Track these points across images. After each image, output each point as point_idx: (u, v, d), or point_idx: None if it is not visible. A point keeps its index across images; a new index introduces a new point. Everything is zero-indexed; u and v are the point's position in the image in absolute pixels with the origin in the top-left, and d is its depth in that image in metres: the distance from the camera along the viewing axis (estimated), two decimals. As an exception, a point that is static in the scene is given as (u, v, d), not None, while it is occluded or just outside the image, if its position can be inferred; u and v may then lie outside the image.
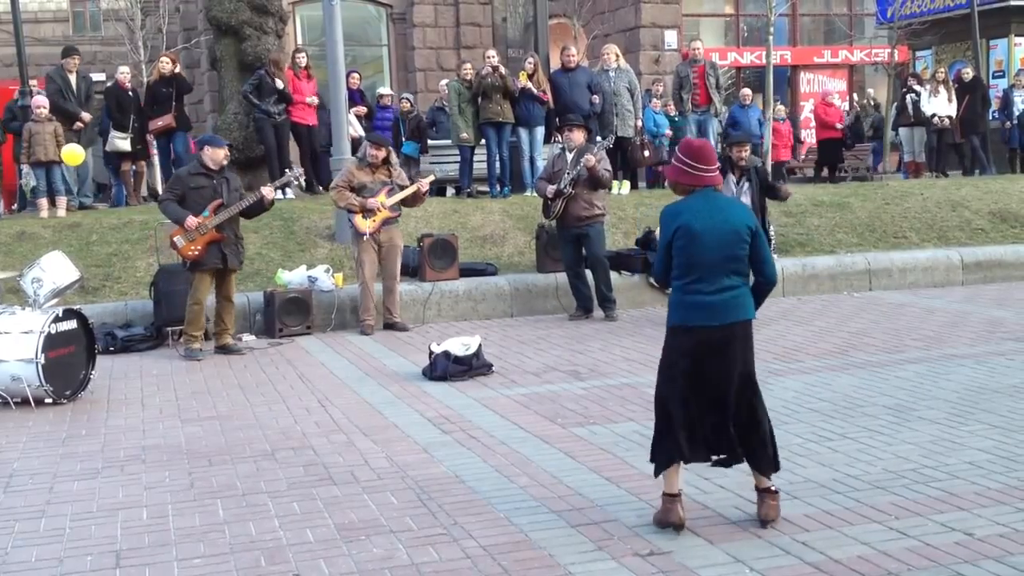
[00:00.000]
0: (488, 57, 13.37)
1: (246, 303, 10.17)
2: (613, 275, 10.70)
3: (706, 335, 4.52)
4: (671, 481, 4.59)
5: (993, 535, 4.37)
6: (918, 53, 25.46)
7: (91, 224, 11.81)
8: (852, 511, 4.72)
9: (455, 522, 4.79)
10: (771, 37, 18.73)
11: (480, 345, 8.08)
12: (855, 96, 26.10)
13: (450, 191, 14.83)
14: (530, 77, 13.22)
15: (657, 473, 4.64)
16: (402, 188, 10.15)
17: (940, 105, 16.65)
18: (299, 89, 13.41)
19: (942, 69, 18.11)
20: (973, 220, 13.22)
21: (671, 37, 25.22)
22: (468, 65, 13.86)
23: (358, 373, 8.29)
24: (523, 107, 13.22)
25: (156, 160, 15.48)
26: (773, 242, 10.26)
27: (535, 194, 11.98)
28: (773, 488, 4.64)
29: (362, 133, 14.44)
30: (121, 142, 13.83)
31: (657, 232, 10.89)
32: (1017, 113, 17.56)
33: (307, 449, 6.16)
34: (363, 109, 15.21)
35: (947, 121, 16.63)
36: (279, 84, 13.04)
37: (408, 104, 15.84)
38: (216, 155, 9.23)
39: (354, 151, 12.30)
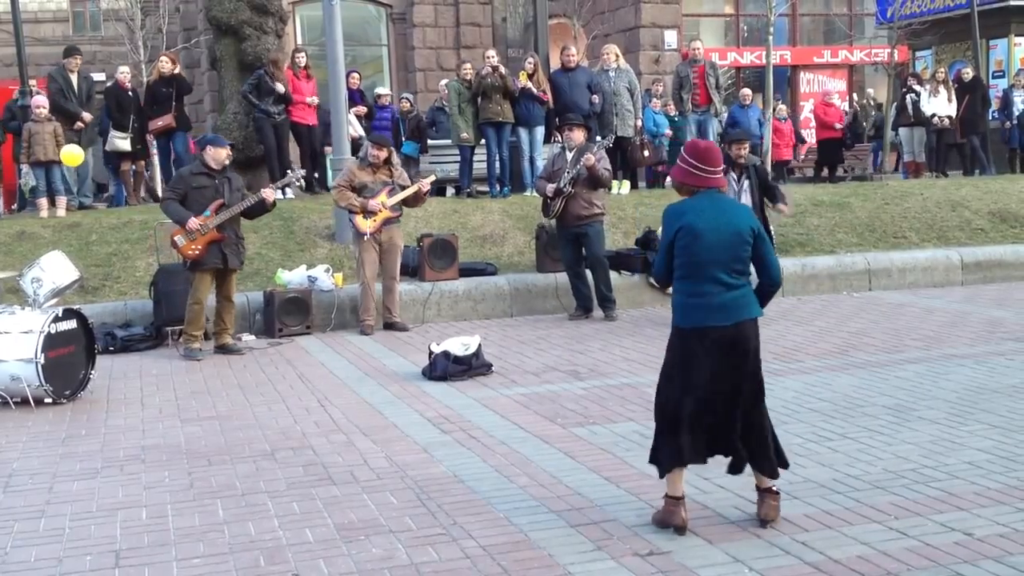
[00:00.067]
0: (488, 57, 13.37)
1: (246, 303, 10.17)
2: (613, 275, 10.70)
3: (720, 334, 4.52)
4: (675, 484, 4.58)
5: (993, 535, 4.37)
6: (918, 53, 25.46)
7: (91, 224, 11.81)
8: (852, 511, 4.72)
9: (454, 522, 4.79)
10: (771, 37, 18.73)
11: (480, 345, 8.08)
12: (855, 96, 26.11)
13: (450, 191, 14.83)
14: (530, 77, 13.23)
15: (662, 475, 4.62)
16: (403, 188, 10.15)
17: (940, 105, 16.65)
18: (299, 89, 13.41)
19: (942, 69, 18.11)
20: (973, 220, 13.22)
21: (671, 37, 25.22)
22: (468, 65, 13.86)
23: (358, 373, 8.29)
24: (523, 107, 13.22)
25: (156, 160, 15.49)
26: (774, 242, 10.26)
27: (535, 194, 11.99)
28: (774, 488, 4.63)
29: (362, 133, 14.46)
30: (121, 142, 13.83)
31: (658, 231, 10.92)
32: (1017, 113, 17.56)
33: (307, 449, 6.16)
34: (363, 109, 15.21)
35: (947, 121, 16.63)
36: (279, 88, 13.03)
37: (408, 104, 15.84)
38: (218, 155, 9.23)
39: (354, 151, 12.32)
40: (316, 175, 13.97)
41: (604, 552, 4.37)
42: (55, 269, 7.97)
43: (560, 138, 11.55)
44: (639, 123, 14.08)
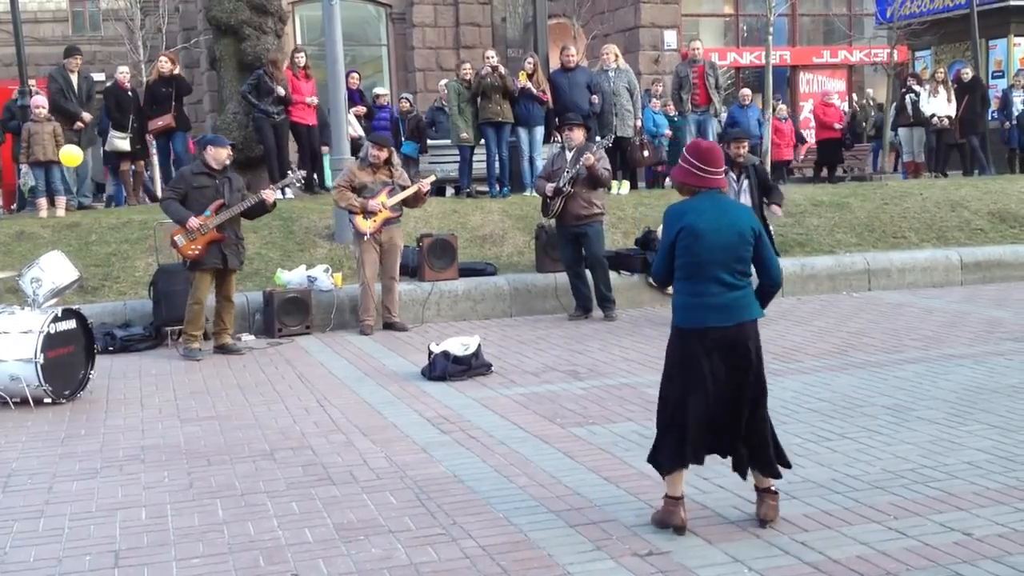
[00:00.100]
0: (487, 57, 13.37)
1: (245, 303, 10.17)
2: (612, 275, 10.70)
3: (721, 335, 4.52)
4: (675, 484, 4.58)
5: (992, 535, 4.37)
6: (917, 53, 25.48)
7: (90, 224, 11.81)
8: (851, 511, 4.73)
9: (454, 522, 4.79)
10: (770, 37, 18.76)
11: (479, 345, 8.08)
12: (854, 96, 26.12)
13: (449, 191, 14.83)
14: (529, 77, 13.23)
15: (665, 475, 4.62)
16: (403, 188, 10.15)
17: (939, 105, 16.65)
18: (298, 89, 13.40)
19: (941, 69, 18.11)
20: (972, 220, 13.22)
21: (670, 37, 25.24)
22: (467, 65, 13.86)
23: (357, 373, 8.30)
24: (522, 107, 13.22)
25: (155, 160, 15.49)
26: (773, 242, 10.26)
27: (534, 194, 11.99)
28: (773, 488, 4.64)
29: (361, 133, 14.46)
30: (120, 142, 13.84)
31: (658, 231, 10.92)
32: (1016, 113, 17.57)
33: (306, 449, 6.16)
34: (362, 109, 15.22)
35: (946, 121, 16.63)
36: (280, 92, 13.02)
37: (407, 104, 15.84)
38: (219, 155, 9.23)
39: (354, 151, 12.31)
40: (315, 175, 13.96)
41: (603, 552, 4.37)
42: (54, 269, 7.97)
43: (560, 138, 11.55)
44: (639, 123, 14.08)
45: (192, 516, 5.03)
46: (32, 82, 15.13)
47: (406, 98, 16.31)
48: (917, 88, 17.21)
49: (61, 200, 12.54)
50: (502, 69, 13.32)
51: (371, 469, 5.70)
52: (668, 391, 4.64)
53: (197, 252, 9.04)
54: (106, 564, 4.47)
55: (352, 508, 5.05)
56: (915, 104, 17.03)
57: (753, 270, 4.67)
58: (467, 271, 11.04)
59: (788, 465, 4.72)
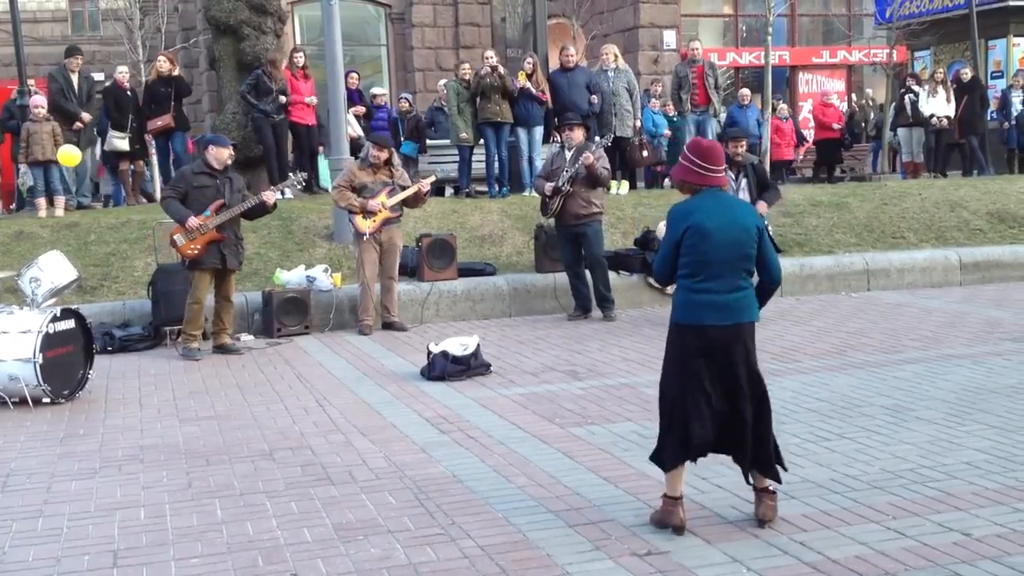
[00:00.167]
0: (487, 57, 13.37)
1: (244, 303, 10.17)
2: (611, 275, 10.70)
3: (717, 333, 4.52)
4: (674, 484, 4.58)
5: (991, 535, 4.37)
6: (916, 53, 25.48)
7: (89, 224, 11.81)
8: (850, 511, 4.73)
9: (453, 522, 4.79)
10: (770, 37, 18.77)
11: (478, 345, 8.08)
12: (853, 96, 26.14)
13: (448, 191, 14.83)
14: (529, 77, 13.23)
15: (668, 469, 4.61)
16: (403, 189, 10.15)
17: (938, 105, 16.66)
18: (297, 89, 13.40)
19: (941, 69, 18.12)
20: (971, 220, 13.22)
21: (670, 37, 25.25)
22: (466, 65, 13.87)
23: (356, 373, 8.29)
24: (522, 107, 13.22)
25: (155, 160, 15.49)
26: (773, 240, 10.27)
27: (534, 194, 11.99)
28: (771, 488, 4.64)
29: (360, 133, 14.46)
30: (119, 142, 13.83)
31: (658, 230, 10.91)
32: (1015, 113, 17.58)
33: (305, 449, 6.16)
34: (361, 109, 15.21)
35: (945, 121, 16.64)
36: (283, 100, 13.01)
37: (407, 104, 15.84)
38: (220, 154, 9.23)
39: (353, 151, 12.31)
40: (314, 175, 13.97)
41: (602, 552, 4.38)
42: (53, 269, 7.96)
43: (559, 138, 11.55)
44: (638, 123, 14.08)
45: (191, 516, 5.03)
46: (31, 82, 15.12)
47: (405, 98, 16.31)
48: (916, 88, 17.21)
49: (60, 200, 12.54)
50: (501, 69, 13.32)
51: (370, 469, 5.69)
52: (667, 387, 4.64)
53: (196, 252, 9.04)
54: (105, 564, 4.47)
55: (351, 508, 5.05)
56: (914, 104, 17.04)
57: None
58: (466, 271, 11.05)
59: (784, 467, 4.71)
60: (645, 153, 14.34)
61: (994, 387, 6.99)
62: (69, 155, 12.15)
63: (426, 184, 10.29)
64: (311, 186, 13.75)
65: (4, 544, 4.76)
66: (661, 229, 10.60)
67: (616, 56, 13.99)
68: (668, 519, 4.55)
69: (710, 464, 4.78)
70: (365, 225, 9.94)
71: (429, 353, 8.03)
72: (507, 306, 10.89)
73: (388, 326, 10.12)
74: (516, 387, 7.57)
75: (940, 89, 16.71)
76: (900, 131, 18.18)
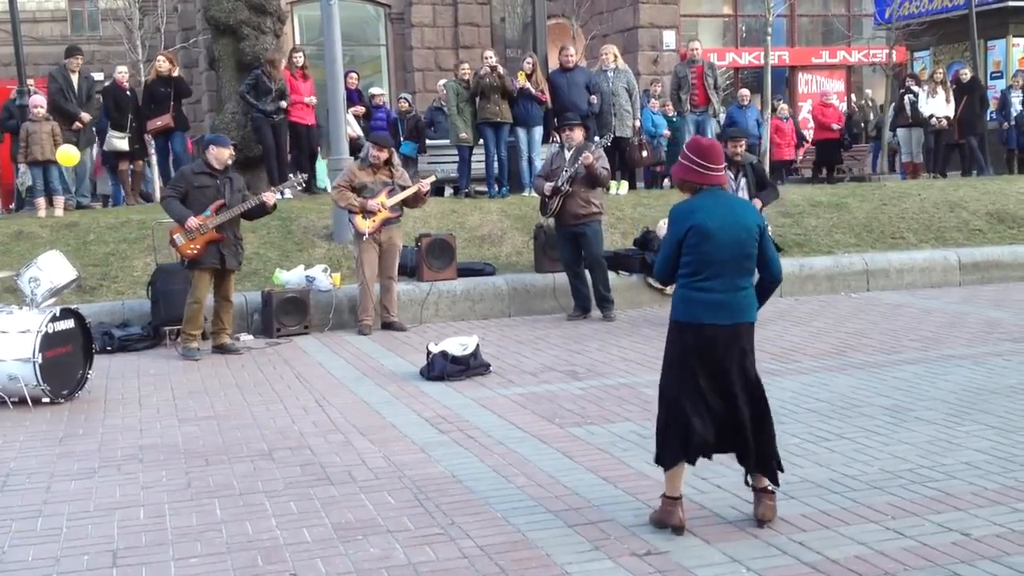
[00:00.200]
0: (486, 57, 13.37)
1: (244, 303, 10.16)
2: (611, 275, 10.70)
3: (715, 332, 4.52)
4: (674, 484, 4.58)
5: (990, 535, 4.38)
6: (916, 54, 25.49)
7: (88, 224, 11.80)
8: (849, 511, 4.73)
9: (452, 522, 4.79)
10: (769, 38, 18.78)
11: (478, 345, 8.08)
12: (853, 97, 26.14)
13: (448, 191, 14.83)
14: (528, 77, 13.23)
15: (668, 468, 4.61)
16: (403, 189, 10.14)
17: (938, 106, 16.67)
18: (296, 89, 13.40)
19: (940, 70, 18.12)
20: (971, 221, 13.23)
21: (669, 37, 25.26)
22: (465, 65, 13.87)
23: (355, 373, 8.29)
24: (521, 107, 13.22)
25: (154, 160, 15.48)
26: (772, 239, 10.27)
27: (533, 194, 11.99)
28: (770, 488, 4.64)
29: (360, 133, 14.46)
30: (119, 142, 13.82)
31: (658, 228, 10.92)
32: (1015, 114, 17.58)
33: (304, 449, 6.16)
34: (361, 109, 15.22)
35: (944, 122, 16.64)
36: (283, 104, 13.02)
37: (406, 104, 15.84)
38: (221, 154, 9.23)
39: (352, 151, 12.31)
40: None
41: (601, 552, 4.38)
42: (53, 269, 7.96)
43: (559, 138, 11.55)
44: (637, 123, 14.08)
45: (190, 516, 5.03)
46: (31, 81, 15.11)
47: (405, 98, 16.31)
48: (916, 89, 17.22)
49: (59, 200, 12.53)
50: (501, 69, 13.32)
51: (369, 469, 5.69)
52: (667, 386, 4.64)
53: (196, 251, 9.04)
54: (104, 563, 4.47)
55: (350, 508, 5.05)
56: (914, 105, 17.05)
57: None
58: (465, 271, 11.04)
59: (781, 468, 4.71)
60: (644, 153, 14.34)
61: (994, 387, 6.99)
62: (68, 155, 12.15)
63: (426, 184, 10.29)
64: (311, 187, 13.74)
65: (4, 544, 4.76)
66: (661, 227, 10.63)
67: (616, 56, 13.99)
68: (667, 519, 4.55)
69: (709, 464, 4.78)
70: (365, 225, 9.94)
71: (428, 353, 8.03)
72: (506, 306, 10.89)
73: (387, 326, 10.12)
74: (515, 387, 7.57)
75: (939, 89, 16.72)
76: (899, 131, 18.19)
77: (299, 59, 13.63)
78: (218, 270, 9.18)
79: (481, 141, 13.47)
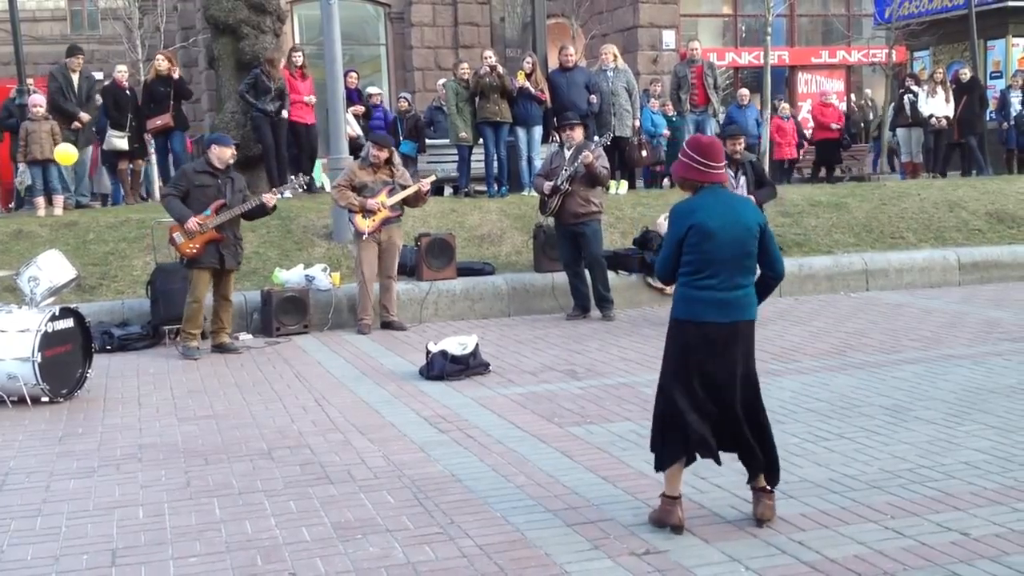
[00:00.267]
0: (486, 57, 13.37)
1: (243, 302, 10.16)
2: (610, 275, 10.70)
3: (715, 331, 4.51)
4: (673, 483, 4.58)
5: (989, 535, 4.38)
6: (916, 54, 25.49)
7: (88, 223, 11.80)
8: (848, 511, 4.73)
9: (452, 521, 4.79)
10: (769, 37, 18.78)
11: (477, 344, 8.08)
12: (852, 96, 26.14)
13: (448, 190, 14.83)
14: (528, 77, 13.23)
15: (661, 468, 4.61)
16: (404, 188, 10.14)
17: (937, 106, 16.67)
18: (295, 88, 13.40)
19: (940, 69, 18.12)
20: (970, 221, 13.23)
21: (669, 37, 25.25)
22: (465, 65, 13.87)
23: (355, 372, 8.29)
24: (521, 107, 13.22)
25: (154, 159, 15.48)
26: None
27: (533, 193, 11.99)
28: (769, 487, 4.64)
29: (359, 132, 14.46)
30: (118, 141, 13.82)
31: (658, 225, 10.93)
32: (1014, 114, 17.59)
33: (304, 448, 6.16)
34: (360, 108, 15.21)
35: (944, 122, 16.65)
36: (284, 115, 13.01)
37: (406, 103, 15.83)
38: (223, 154, 9.23)
39: (352, 151, 12.30)
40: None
41: (601, 551, 4.37)
42: (52, 268, 7.96)
43: (558, 138, 11.55)
44: (637, 123, 14.08)
45: (189, 515, 5.03)
46: (30, 81, 15.11)
47: (404, 97, 16.30)
48: (915, 88, 17.23)
49: (59, 199, 12.53)
50: (500, 69, 13.32)
51: (369, 468, 5.69)
52: (666, 383, 4.63)
53: (195, 251, 9.04)
54: (103, 563, 4.46)
55: (350, 507, 5.05)
56: (913, 104, 17.05)
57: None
58: (465, 271, 11.04)
59: (776, 476, 4.70)
60: (644, 153, 14.34)
61: (993, 387, 6.99)
62: (65, 153, 12.14)
63: (426, 184, 10.29)
64: (311, 186, 13.74)
65: (3, 543, 4.76)
66: (661, 223, 10.64)
67: (615, 56, 13.99)
68: (666, 518, 4.55)
69: (709, 463, 4.77)
70: (364, 224, 9.94)
71: (428, 352, 8.03)
72: (506, 305, 10.89)
73: (387, 325, 10.11)
74: (515, 386, 7.57)
75: (939, 89, 16.72)
76: (899, 131, 18.20)
77: (298, 58, 13.63)
78: (217, 270, 9.18)
79: (481, 140, 13.47)
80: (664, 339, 4.72)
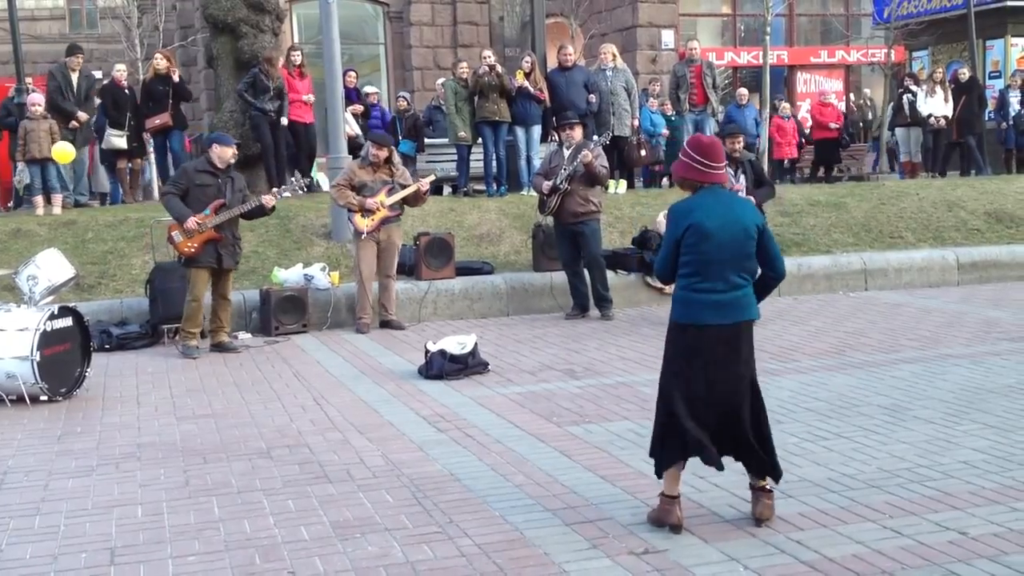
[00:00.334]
0: (485, 56, 13.37)
1: (242, 301, 10.16)
2: (609, 274, 10.70)
3: (716, 332, 4.51)
4: (672, 483, 4.58)
5: (987, 534, 4.38)
6: (914, 53, 25.51)
7: (87, 222, 11.79)
8: (847, 510, 4.73)
9: (450, 520, 4.79)
10: (768, 37, 18.76)
11: (476, 344, 8.08)
12: (851, 96, 26.14)
13: (447, 190, 14.83)
14: (527, 76, 13.22)
15: (660, 471, 4.61)
16: (403, 187, 10.14)
17: (936, 105, 16.67)
18: (294, 87, 13.39)
19: (939, 69, 18.13)
20: (969, 220, 13.23)
21: (668, 37, 25.25)
22: (464, 64, 13.87)
23: (354, 371, 8.29)
24: (520, 106, 13.22)
25: (152, 159, 15.47)
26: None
27: (532, 193, 11.99)
28: (768, 487, 4.64)
29: (358, 132, 14.45)
30: (117, 140, 13.81)
31: (657, 223, 10.92)
32: (1013, 113, 17.59)
33: (302, 447, 6.16)
34: (359, 108, 15.20)
35: (943, 121, 16.65)
36: (284, 122, 13.00)
37: (405, 103, 15.83)
38: (224, 153, 9.22)
39: (350, 150, 12.30)
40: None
41: (600, 550, 4.38)
42: (51, 267, 7.96)
43: (557, 137, 11.55)
44: (636, 123, 14.08)
45: (188, 514, 5.03)
46: (29, 79, 15.11)
47: (403, 97, 16.30)
48: (914, 88, 17.23)
49: (57, 198, 12.52)
50: (499, 68, 13.32)
51: (367, 467, 5.69)
52: (668, 384, 4.63)
53: (193, 250, 9.04)
54: (102, 561, 4.46)
55: (348, 506, 5.05)
56: (912, 104, 17.05)
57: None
58: (464, 270, 11.04)
59: (776, 473, 4.70)
60: (643, 152, 14.35)
61: (992, 387, 6.99)
62: (63, 151, 12.13)
63: (425, 183, 10.28)
64: (311, 186, 13.73)
65: (1, 542, 4.75)
66: (660, 221, 10.64)
67: (614, 55, 13.99)
68: (665, 518, 4.55)
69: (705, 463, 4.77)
70: (363, 223, 9.94)
71: (427, 352, 8.03)
72: (505, 305, 10.89)
73: (386, 324, 10.12)
74: (514, 386, 7.57)
75: (938, 89, 16.72)
76: (898, 131, 18.20)
77: (296, 57, 13.63)
78: (215, 269, 9.17)
79: (479, 140, 13.46)
80: (663, 339, 4.73)
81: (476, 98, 13.28)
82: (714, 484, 5.09)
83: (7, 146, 14.08)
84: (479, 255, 11.58)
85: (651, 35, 25.25)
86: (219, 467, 5.80)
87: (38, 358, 7.33)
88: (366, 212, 9.95)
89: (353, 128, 14.39)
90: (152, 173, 16.40)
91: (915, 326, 9.45)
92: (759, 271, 4.68)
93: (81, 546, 4.65)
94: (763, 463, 4.62)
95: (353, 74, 15.40)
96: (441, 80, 16.13)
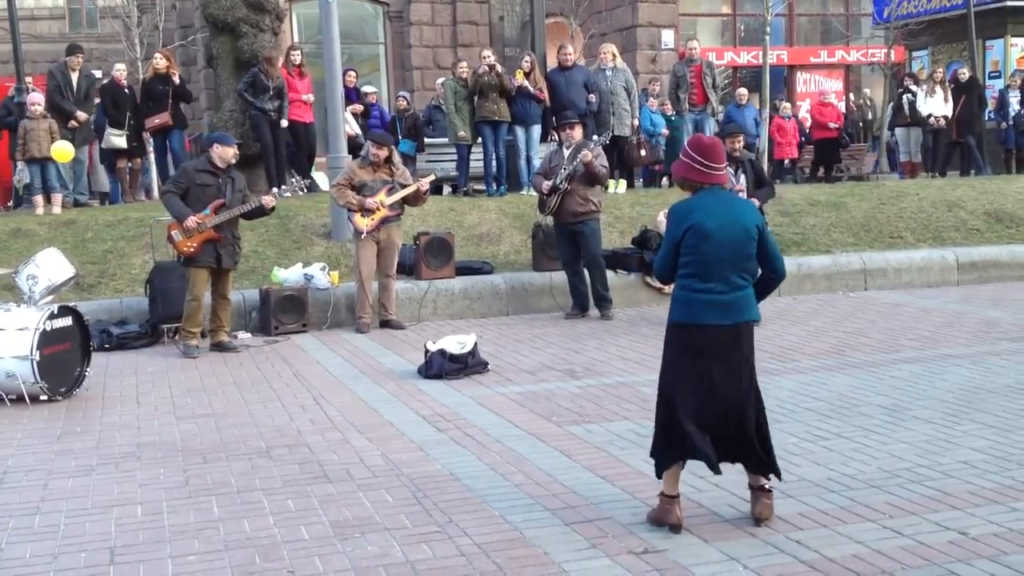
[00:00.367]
0: (485, 56, 13.37)
1: (242, 301, 10.16)
2: (609, 274, 10.70)
3: (716, 333, 4.51)
4: (671, 483, 4.58)
5: (987, 534, 4.38)
6: (914, 53, 25.51)
7: (86, 221, 11.79)
8: (847, 510, 4.73)
9: (450, 520, 4.79)
10: (768, 37, 18.77)
11: (476, 343, 8.08)
12: (851, 96, 26.15)
13: (446, 189, 14.83)
14: (527, 76, 13.22)
15: (659, 472, 4.62)
16: (403, 187, 10.14)
17: (936, 105, 16.68)
18: (293, 87, 13.39)
19: (939, 69, 18.13)
20: (968, 220, 13.23)
21: (668, 36, 25.25)
22: (464, 64, 13.86)
23: (353, 371, 8.29)
24: (519, 106, 13.22)
25: (152, 158, 15.47)
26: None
27: (531, 192, 11.98)
28: (767, 487, 4.64)
29: (358, 131, 14.45)
30: (117, 139, 13.81)
31: (657, 222, 10.92)
32: (1013, 113, 17.60)
33: (302, 447, 6.16)
34: (359, 107, 15.20)
35: (943, 121, 16.65)
36: (284, 124, 13.00)
37: (404, 102, 15.83)
38: (225, 153, 9.22)
39: (350, 150, 12.29)
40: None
41: (599, 550, 4.38)
42: (51, 266, 7.95)
43: (557, 137, 11.55)
44: (636, 122, 14.08)
45: (188, 513, 5.03)
46: (29, 79, 15.10)
47: (403, 96, 16.30)
48: (914, 88, 17.23)
49: (57, 197, 12.52)
50: (499, 68, 13.31)
51: (367, 467, 5.69)
52: (667, 384, 4.63)
53: (192, 249, 9.03)
54: (102, 561, 4.46)
55: (348, 506, 5.05)
56: (912, 104, 17.06)
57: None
58: (464, 269, 11.04)
59: (776, 471, 4.71)
60: (643, 152, 14.34)
61: (991, 387, 7.00)
62: (62, 150, 12.13)
63: (425, 183, 10.28)
64: (311, 185, 13.74)
65: (1, 541, 4.75)
66: (660, 221, 10.64)
67: (614, 55, 13.99)
68: (665, 517, 4.55)
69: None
70: (363, 223, 9.94)
71: (426, 351, 8.03)
72: (504, 305, 10.89)
73: (386, 324, 10.12)
74: (513, 385, 7.57)
75: (938, 89, 16.73)
76: (898, 131, 18.21)
77: (296, 57, 13.63)
78: (214, 268, 9.17)
79: (479, 140, 13.46)
80: (663, 339, 4.72)
81: (476, 98, 13.28)
82: (714, 484, 5.08)
83: (7, 145, 14.08)
84: (479, 255, 11.58)
85: (651, 35, 25.26)
86: (219, 467, 5.80)
87: (38, 357, 7.32)
88: (366, 212, 9.94)
89: (353, 128, 14.39)
90: (152, 173, 16.39)
91: (915, 326, 9.45)
92: (759, 271, 4.68)
93: (81, 545, 4.65)
94: (763, 463, 4.62)
95: (353, 74, 15.40)
96: (441, 80, 16.12)
